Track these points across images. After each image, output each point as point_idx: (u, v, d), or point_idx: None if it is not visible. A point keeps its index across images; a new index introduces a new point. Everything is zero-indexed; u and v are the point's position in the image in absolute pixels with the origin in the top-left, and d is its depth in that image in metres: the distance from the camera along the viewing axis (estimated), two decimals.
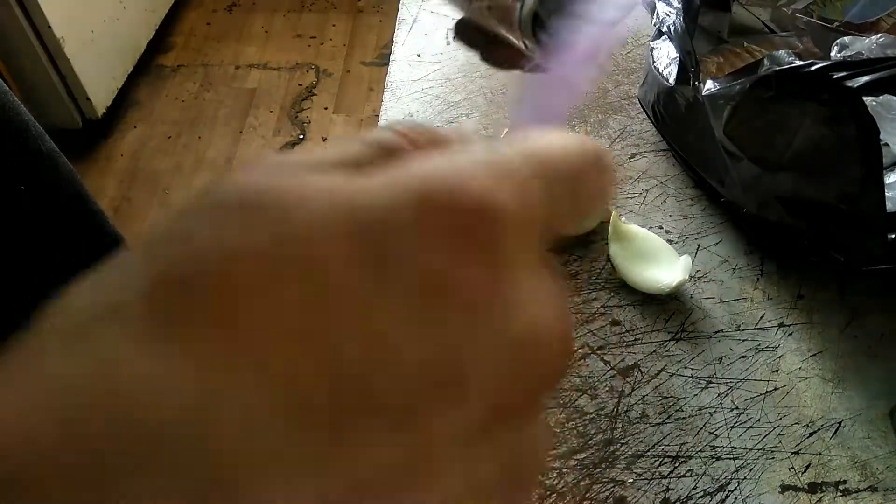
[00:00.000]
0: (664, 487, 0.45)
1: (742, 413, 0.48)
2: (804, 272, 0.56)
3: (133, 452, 0.11)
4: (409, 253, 0.12)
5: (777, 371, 0.51)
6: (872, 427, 0.48)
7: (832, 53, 0.58)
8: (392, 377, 0.12)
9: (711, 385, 0.50)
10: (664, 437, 0.47)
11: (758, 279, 0.56)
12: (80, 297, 0.12)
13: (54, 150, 0.61)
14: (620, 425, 0.48)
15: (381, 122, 0.68)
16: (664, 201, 0.62)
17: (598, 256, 0.57)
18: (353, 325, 0.12)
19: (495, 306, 0.13)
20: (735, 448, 0.47)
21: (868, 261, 0.50)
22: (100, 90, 1.82)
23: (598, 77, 0.71)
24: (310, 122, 1.94)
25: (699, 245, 0.58)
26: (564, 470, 0.46)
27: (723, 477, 0.45)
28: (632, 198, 0.62)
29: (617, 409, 0.49)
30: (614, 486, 0.45)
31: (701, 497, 0.45)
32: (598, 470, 0.46)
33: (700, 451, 0.47)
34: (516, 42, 0.39)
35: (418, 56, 0.75)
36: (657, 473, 0.46)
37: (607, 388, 0.50)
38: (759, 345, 0.52)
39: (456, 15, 0.43)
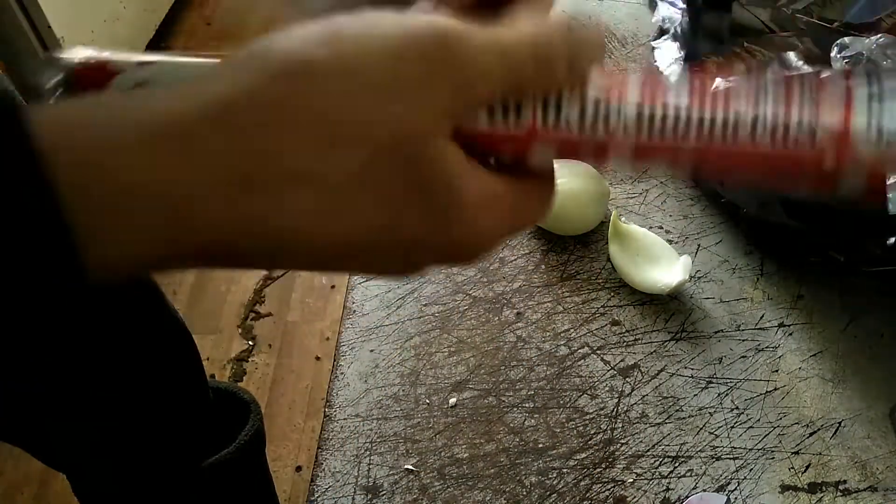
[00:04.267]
0: (664, 487, 0.45)
1: (742, 413, 0.48)
2: (804, 272, 0.56)
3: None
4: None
5: (777, 371, 0.51)
6: (872, 427, 0.48)
7: (832, 54, 0.58)
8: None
9: (711, 385, 0.50)
10: (664, 437, 0.47)
11: (758, 279, 0.56)
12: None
13: None
14: (620, 425, 0.48)
15: None
16: (664, 201, 0.62)
17: (598, 256, 0.57)
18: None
19: (450, 209, 0.19)
20: (735, 448, 0.47)
21: (868, 261, 0.50)
22: None
23: None
24: None
25: (699, 245, 0.58)
26: (564, 470, 0.46)
27: (723, 477, 0.45)
28: (632, 198, 0.62)
29: (617, 409, 0.49)
30: (614, 486, 0.45)
31: None
32: (598, 470, 0.46)
33: (700, 451, 0.47)
34: None
35: None
36: (657, 473, 0.46)
37: (607, 388, 0.50)
38: (759, 345, 0.52)
39: None
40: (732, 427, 0.48)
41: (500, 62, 0.19)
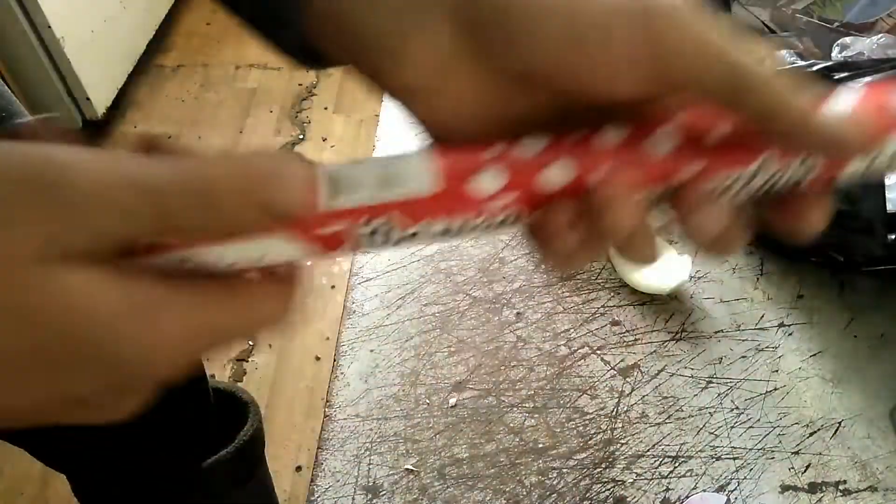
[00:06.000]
0: (664, 487, 0.45)
1: (742, 413, 0.48)
2: (804, 272, 0.56)
3: None
4: None
5: (777, 371, 0.51)
6: (872, 427, 0.48)
7: (833, 54, 0.58)
8: None
9: (711, 385, 0.50)
10: (664, 437, 0.47)
11: (758, 279, 0.56)
12: None
13: None
14: (620, 425, 0.48)
15: (381, 122, 0.68)
16: None
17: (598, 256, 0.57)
18: None
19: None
20: (735, 448, 0.47)
21: (868, 261, 0.50)
22: (100, 90, 1.81)
23: None
24: (310, 122, 1.94)
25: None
26: (564, 470, 0.46)
27: (723, 477, 0.45)
28: None
29: (617, 409, 0.49)
30: (614, 486, 0.45)
31: None
32: (598, 470, 0.46)
33: (700, 451, 0.47)
34: None
35: None
36: (657, 473, 0.46)
37: (607, 388, 0.50)
38: (759, 345, 0.52)
39: None
40: (732, 427, 0.48)
41: (135, 199, 0.17)
